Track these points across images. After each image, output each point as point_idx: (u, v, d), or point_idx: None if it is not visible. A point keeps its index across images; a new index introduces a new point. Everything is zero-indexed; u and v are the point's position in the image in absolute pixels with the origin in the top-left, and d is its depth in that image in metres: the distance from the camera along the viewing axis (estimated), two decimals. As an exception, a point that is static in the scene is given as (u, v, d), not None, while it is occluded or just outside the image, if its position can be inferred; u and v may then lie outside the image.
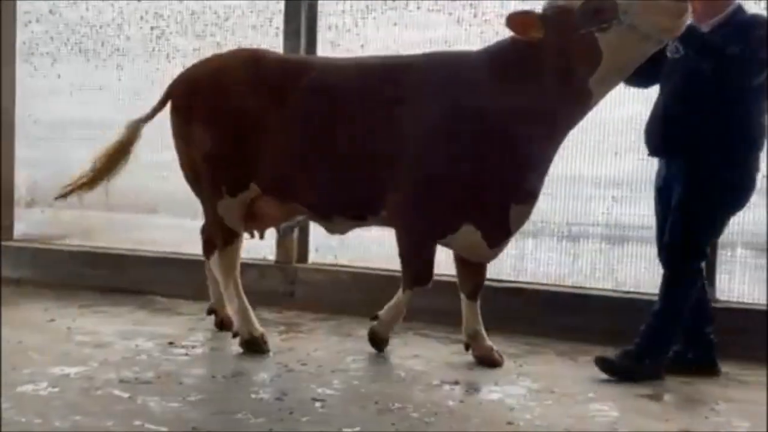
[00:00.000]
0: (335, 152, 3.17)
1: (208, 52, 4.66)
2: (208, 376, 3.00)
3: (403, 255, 3.20)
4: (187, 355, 3.31)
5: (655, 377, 3.06)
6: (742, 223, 3.65)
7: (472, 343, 3.32)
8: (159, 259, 4.65)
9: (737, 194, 3.04)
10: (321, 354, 3.37)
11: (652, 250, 3.89)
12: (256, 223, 3.53)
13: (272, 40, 4.57)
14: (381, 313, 3.35)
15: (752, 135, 2.99)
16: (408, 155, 3.04)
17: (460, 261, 3.34)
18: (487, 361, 3.25)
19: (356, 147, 3.13)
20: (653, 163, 3.86)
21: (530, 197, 3.08)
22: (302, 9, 4.41)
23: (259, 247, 4.65)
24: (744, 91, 2.93)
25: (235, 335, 3.42)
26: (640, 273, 3.90)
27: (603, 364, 3.08)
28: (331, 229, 3.47)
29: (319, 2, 4.43)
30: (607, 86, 2.94)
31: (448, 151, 2.98)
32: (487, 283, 4.10)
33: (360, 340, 3.62)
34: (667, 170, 3.15)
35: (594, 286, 3.97)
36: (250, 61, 3.36)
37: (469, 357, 3.37)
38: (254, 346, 3.34)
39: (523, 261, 4.14)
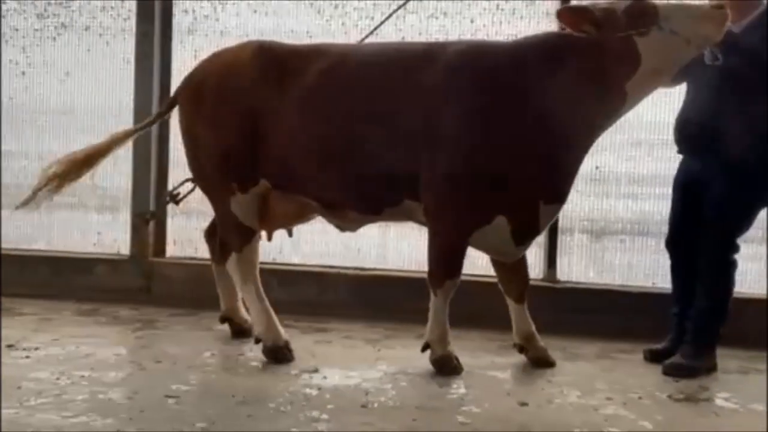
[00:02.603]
0: (354, 142, 3.00)
1: (51, 34, 4.40)
2: (52, 379, 2.82)
3: (436, 248, 3.03)
4: (28, 357, 3.09)
5: (714, 369, 3.20)
6: (579, 211, 4.01)
7: (526, 345, 3.24)
8: (-3, 257, 4.28)
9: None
10: (177, 350, 3.27)
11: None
12: (264, 223, 3.29)
13: (123, 23, 4.35)
14: (426, 338, 3.10)
15: None
16: (441, 145, 2.90)
17: (501, 266, 3.25)
18: (543, 363, 3.20)
19: (377, 137, 2.97)
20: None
21: (559, 197, 3.01)
22: (156, -8, 4.23)
23: (112, 240, 4.44)
24: None
25: (257, 341, 3.20)
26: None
27: (674, 368, 3.13)
28: (343, 227, 3.30)
29: (175, -14, 4.28)
30: (644, 90, 2.91)
31: (486, 141, 2.88)
32: (351, 272, 4.21)
33: (220, 334, 3.57)
34: (699, 169, 3.20)
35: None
36: (258, 52, 3.19)
37: (330, 345, 3.44)
38: (278, 354, 3.14)
39: (386, 249, 4.27)
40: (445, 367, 3.05)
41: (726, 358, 3.30)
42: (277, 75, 3.11)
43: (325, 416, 2.53)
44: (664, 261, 4.03)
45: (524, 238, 3.04)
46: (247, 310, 3.43)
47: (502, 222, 2.95)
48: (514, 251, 3.08)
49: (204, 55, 4.21)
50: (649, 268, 3.97)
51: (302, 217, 3.36)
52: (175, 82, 4.34)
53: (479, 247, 3.15)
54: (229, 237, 3.27)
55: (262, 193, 3.20)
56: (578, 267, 4.02)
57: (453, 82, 2.94)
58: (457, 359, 3.10)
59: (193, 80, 3.32)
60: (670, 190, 3.40)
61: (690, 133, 3.24)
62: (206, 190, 3.34)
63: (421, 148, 2.94)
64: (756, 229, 3.45)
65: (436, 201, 2.96)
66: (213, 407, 2.58)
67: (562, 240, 4.04)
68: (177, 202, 3.71)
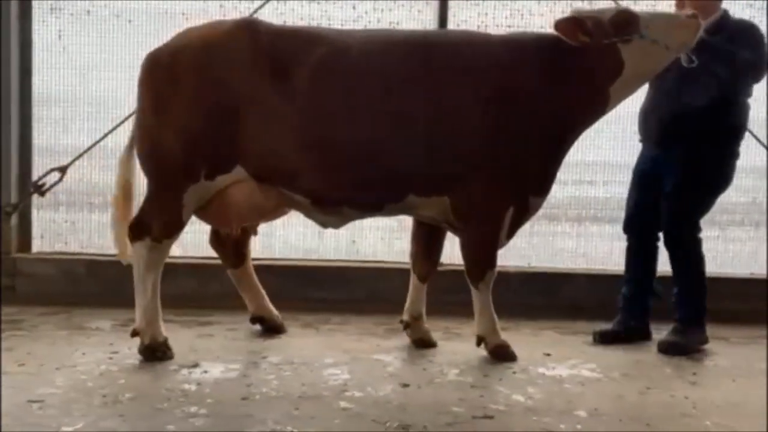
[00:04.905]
0: (361, 134, 2.93)
1: None
2: None
3: (475, 243, 3.10)
4: None
5: (704, 342, 3.41)
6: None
7: (412, 323, 3.32)
8: None
9: (726, 178, 3.42)
10: (45, 351, 3.07)
11: (390, 222, 4.23)
12: (239, 217, 3.13)
13: (-25, 0, 3.97)
14: (478, 332, 3.18)
15: (738, 127, 3.39)
16: (477, 143, 2.96)
17: (421, 243, 3.30)
18: (425, 343, 3.28)
19: (388, 128, 2.94)
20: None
21: (546, 191, 3.15)
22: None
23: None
24: (738, 88, 3.28)
25: (134, 334, 3.03)
26: (378, 243, 4.21)
27: (668, 346, 3.32)
28: (328, 223, 3.20)
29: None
30: (625, 93, 3.12)
31: (512, 137, 2.97)
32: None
33: (93, 332, 3.38)
34: (661, 158, 3.41)
35: (338, 258, 4.20)
36: (245, 29, 3.00)
37: (212, 339, 3.35)
38: (156, 352, 2.99)
39: (271, 238, 4.21)
40: (506, 355, 3.13)
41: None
42: (272, 57, 2.94)
43: (203, 411, 2.46)
44: (539, 242, 4.27)
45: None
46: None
47: (508, 215, 3.09)
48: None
49: (70, 35, 4.04)
50: (526, 250, 4.17)
51: (274, 214, 3.26)
52: (37, 64, 4.07)
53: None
54: (158, 224, 3.03)
55: (221, 186, 3.01)
56: (459, 250, 4.14)
57: (476, 78, 2.98)
58: (509, 346, 3.16)
59: (171, 55, 3.03)
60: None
61: (650, 123, 3.47)
62: (159, 172, 3.04)
63: (450, 146, 2.96)
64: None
65: (471, 197, 3.00)
66: (81, 410, 2.44)
67: (446, 224, 4.16)
68: (42, 194, 3.48)
